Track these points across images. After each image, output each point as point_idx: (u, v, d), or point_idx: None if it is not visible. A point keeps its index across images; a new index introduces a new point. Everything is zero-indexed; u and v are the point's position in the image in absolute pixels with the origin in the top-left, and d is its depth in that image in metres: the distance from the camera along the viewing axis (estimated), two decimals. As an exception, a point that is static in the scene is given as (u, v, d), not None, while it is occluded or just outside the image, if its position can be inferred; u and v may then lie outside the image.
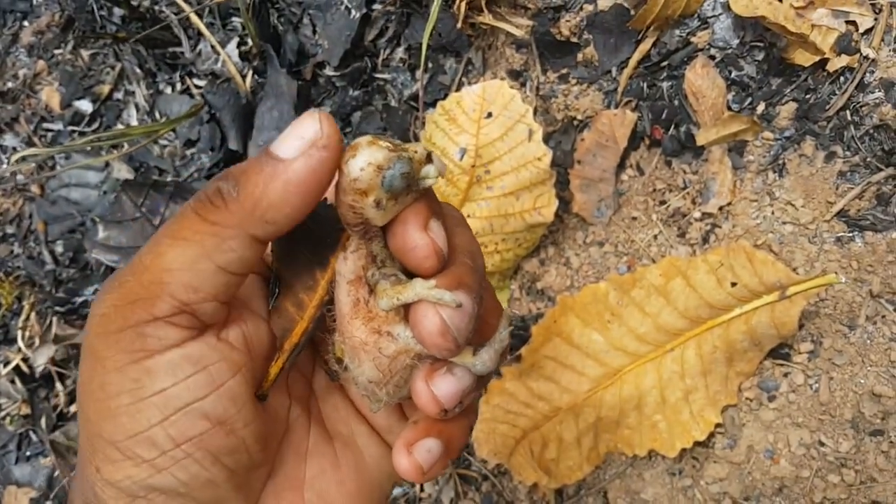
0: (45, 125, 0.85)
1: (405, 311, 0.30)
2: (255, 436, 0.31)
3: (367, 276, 0.30)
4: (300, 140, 0.27)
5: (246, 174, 0.28)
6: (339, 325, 0.31)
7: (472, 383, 0.30)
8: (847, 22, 0.68)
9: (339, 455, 0.35)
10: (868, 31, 0.68)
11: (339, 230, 0.32)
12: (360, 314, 0.30)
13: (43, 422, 0.87)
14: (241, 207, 0.28)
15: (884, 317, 0.67)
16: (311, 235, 0.32)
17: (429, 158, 0.29)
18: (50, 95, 0.84)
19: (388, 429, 0.36)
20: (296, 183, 0.27)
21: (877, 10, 0.68)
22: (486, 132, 0.70)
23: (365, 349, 0.30)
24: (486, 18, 0.72)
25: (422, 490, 0.79)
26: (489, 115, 0.70)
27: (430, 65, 0.76)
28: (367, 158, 0.27)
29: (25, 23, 0.83)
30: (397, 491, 0.80)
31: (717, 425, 0.70)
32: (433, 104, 0.77)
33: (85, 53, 0.83)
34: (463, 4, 0.70)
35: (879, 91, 0.67)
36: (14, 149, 0.86)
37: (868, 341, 0.67)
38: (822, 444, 0.68)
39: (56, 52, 0.84)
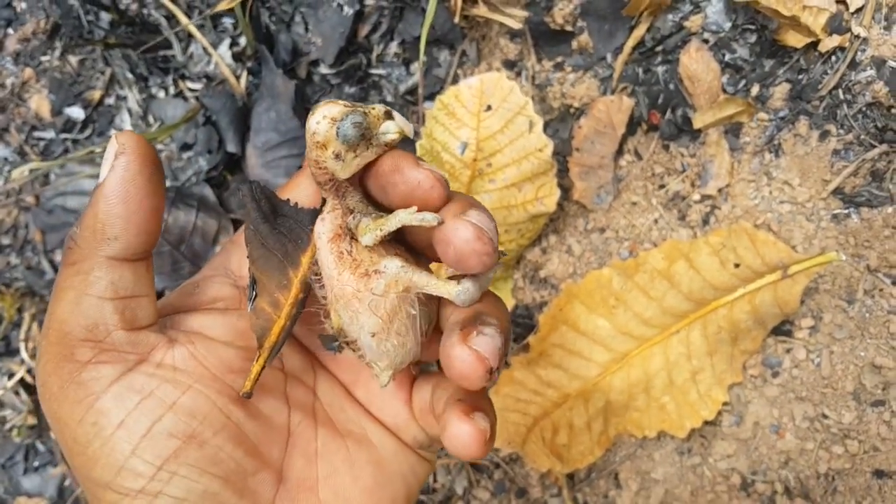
0: (37, 133, 0.84)
1: (393, 250, 0.32)
2: (232, 441, 0.32)
3: (347, 224, 0.31)
4: (106, 161, 0.31)
5: (83, 213, 0.31)
6: (329, 288, 0.32)
7: (503, 342, 0.30)
8: (837, 2, 0.69)
9: (353, 452, 0.36)
10: (858, 11, 0.69)
11: (309, 230, 0.33)
12: (346, 265, 0.31)
13: (51, 432, 0.87)
14: (85, 239, 0.31)
15: (881, 290, 0.69)
16: (281, 238, 0.34)
17: (388, 115, 0.31)
18: (39, 103, 0.83)
19: (402, 426, 0.37)
20: (111, 195, 0.30)
21: (865, -11, 0.69)
22: (486, 125, 0.70)
23: (358, 297, 0.31)
24: (481, 10, 0.72)
25: (434, 480, 0.80)
26: (488, 107, 0.70)
27: (426, 59, 0.76)
28: (323, 112, 0.30)
29: (10, 30, 0.82)
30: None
31: (724, 403, 0.71)
32: (430, 97, 0.77)
33: (73, 59, 0.82)
34: (458, -3, 0.70)
35: (871, 69, 0.68)
36: (5, 159, 0.85)
37: (867, 315, 0.69)
38: (825, 416, 0.70)
39: (43, 59, 0.82)
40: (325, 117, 0.29)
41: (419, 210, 0.30)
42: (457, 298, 0.31)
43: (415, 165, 0.30)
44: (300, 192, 0.35)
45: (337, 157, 0.30)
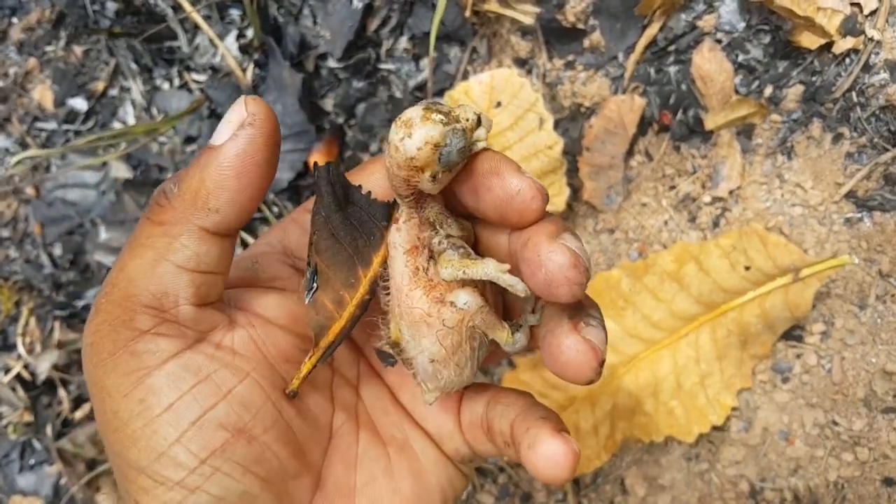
0: (39, 124, 0.83)
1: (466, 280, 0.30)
2: (280, 440, 0.30)
3: (431, 243, 0.29)
4: (228, 125, 0.28)
5: (186, 170, 0.29)
6: (395, 300, 0.30)
7: (606, 334, 0.29)
8: (852, 4, 0.69)
9: (394, 460, 0.34)
10: (873, 13, 0.68)
11: (383, 226, 0.31)
12: (421, 283, 0.29)
13: (48, 429, 0.85)
14: (182, 201, 0.28)
15: (893, 296, 0.68)
16: (353, 231, 0.31)
17: (478, 122, 0.28)
18: (42, 94, 0.82)
19: (445, 436, 0.35)
20: (228, 165, 0.28)
21: (880, -9, 0.68)
22: (496, 122, 0.69)
23: (427, 321, 0.29)
24: (492, 6, 0.71)
25: (437, 483, 0.79)
26: (498, 104, 0.69)
27: (436, 54, 0.75)
28: (424, 137, 0.26)
29: (14, 19, 0.81)
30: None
31: (733, 409, 0.70)
32: (440, 94, 0.76)
33: (78, 50, 0.81)
34: (469, -8, 0.69)
35: (885, 72, 0.68)
36: (6, 149, 0.84)
37: (879, 320, 0.68)
38: (835, 423, 0.69)
39: (47, 48, 0.81)
40: (427, 143, 0.26)
41: (517, 216, 0.28)
42: (510, 348, 0.30)
43: (516, 171, 0.28)
44: (373, 180, 0.32)
45: (434, 178, 0.27)
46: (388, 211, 0.31)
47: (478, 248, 0.32)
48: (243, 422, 0.29)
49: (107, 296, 0.29)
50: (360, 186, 0.31)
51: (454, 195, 0.30)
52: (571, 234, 0.28)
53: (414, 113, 0.27)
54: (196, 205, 0.28)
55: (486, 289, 0.30)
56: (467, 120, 0.28)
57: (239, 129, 0.28)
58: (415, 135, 0.26)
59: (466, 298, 0.29)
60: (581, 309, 0.29)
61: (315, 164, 0.31)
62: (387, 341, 0.32)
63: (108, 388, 0.28)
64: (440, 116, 0.27)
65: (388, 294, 0.31)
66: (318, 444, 0.33)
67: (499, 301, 0.30)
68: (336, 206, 0.31)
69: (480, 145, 0.28)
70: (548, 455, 0.29)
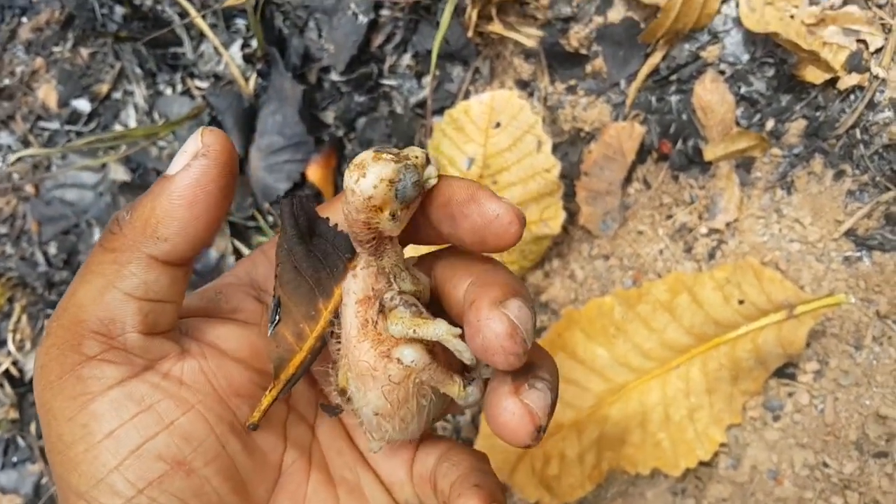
0: (42, 124, 0.83)
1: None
2: (221, 475, 0.30)
3: (383, 298, 0.29)
4: (183, 155, 0.28)
5: (140, 198, 0.29)
6: (344, 349, 0.30)
7: (554, 400, 0.28)
8: (858, 40, 0.68)
9: (343, 503, 0.34)
10: (878, 51, 0.68)
11: (346, 258, 0.31)
12: (369, 336, 0.29)
13: (32, 427, 0.85)
14: (133, 229, 0.28)
15: (890, 338, 0.67)
16: (316, 263, 0.31)
17: (427, 160, 0.29)
18: (47, 93, 0.82)
19: (396, 485, 0.35)
20: (178, 195, 0.28)
21: (886, 30, 0.67)
22: (494, 142, 0.69)
23: (373, 374, 0.29)
24: (496, 27, 0.71)
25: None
26: (497, 124, 0.69)
27: (437, 72, 0.75)
28: (379, 175, 0.27)
29: (24, 19, 0.82)
30: None
31: (721, 444, 0.69)
32: (440, 112, 0.76)
33: (84, 52, 0.81)
34: (474, 13, 0.69)
35: (889, 110, 0.67)
36: (9, 147, 0.85)
37: (874, 362, 0.67)
38: (825, 465, 0.67)
39: (55, 49, 0.82)
40: (382, 180, 0.27)
41: (495, 240, 0.28)
42: (462, 402, 0.30)
43: (493, 197, 0.28)
44: (340, 215, 0.32)
45: (393, 217, 0.28)
46: (345, 245, 0.31)
47: (434, 300, 0.32)
48: (183, 454, 0.29)
49: (57, 320, 0.29)
50: (327, 219, 0.31)
51: (430, 224, 0.30)
52: (518, 300, 0.27)
53: (364, 156, 0.27)
54: (146, 233, 0.28)
55: (437, 344, 0.30)
56: (416, 157, 0.28)
57: (193, 159, 0.28)
58: (368, 174, 0.27)
59: (413, 356, 0.29)
60: (529, 370, 0.29)
61: (278, 197, 0.31)
62: (335, 388, 0.32)
63: (54, 411, 0.28)
64: (390, 156, 0.27)
65: (339, 342, 0.31)
66: (264, 481, 0.32)
67: (451, 354, 0.29)
68: (299, 238, 0.31)
69: (432, 182, 0.29)
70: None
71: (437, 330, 0.28)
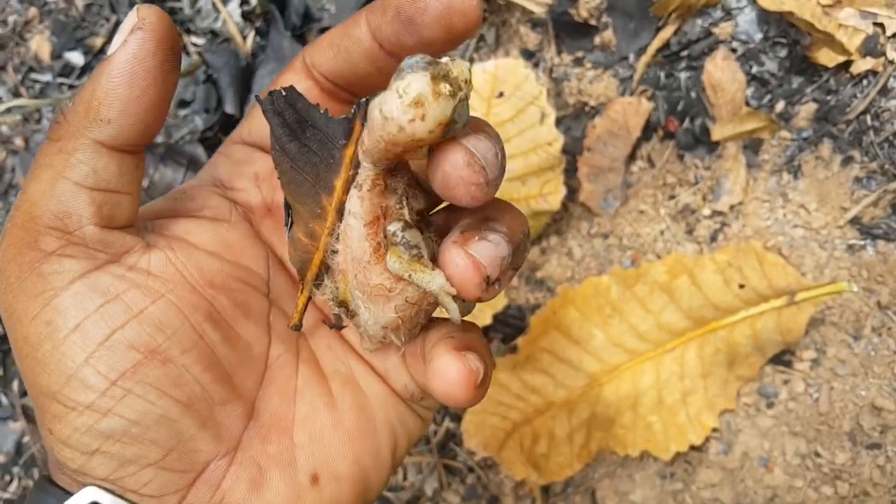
0: (34, 75, 0.81)
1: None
2: (201, 364, 0.28)
3: (387, 230, 0.27)
4: (121, 34, 0.27)
5: (83, 86, 0.27)
6: (350, 267, 0.28)
7: (509, 252, 0.27)
8: (875, 24, 0.66)
9: (337, 394, 0.32)
10: (895, 35, 0.66)
11: (342, 145, 0.29)
12: (383, 259, 0.28)
13: (15, 385, 0.84)
14: (76, 115, 0.27)
15: (890, 329, 0.66)
16: (312, 158, 0.29)
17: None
18: (40, 44, 0.80)
19: (391, 371, 0.33)
20: (117, 73, 0.26)
21: (906, 13, 0.65)
22: (496, 112, 0.67)
23: (388, 295, 0.28)
24: (504, -7, 0.69)
25: (404, 478, 0.77)
26: (500, 94, 0.67)
27: (441, 39, 0.73)
28: (438, 118, 0.23)
29: (17, -34, 0.79)
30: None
31: (713, 430, 0.68)
32: (442, 80, 0.74)
33: (80, 3, 0.79)
34: (480, -24, 0.67)
35: (903, 97, 0.65)
36: (0, 98, 0.82)
37: (872, 353, 0.66)
38: (818, 454, 0.67)
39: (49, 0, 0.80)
40: (440, 124, 0.23)
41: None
42: (428, 286, 0.28)
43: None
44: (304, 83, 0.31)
45: (430, 151, 0.25)
46: (347, 127, 0.29)
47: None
48: (156, 343, 0.27)
49: (11, 220, 0.27)
50: (317, 105, 0.29)
51: (387, 41, 0.28)
52: (479, 135, 0.25)
53: (422, 86, 0.23)
54: (88, 117, 0.26)
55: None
56: (466, 81, 0.24)
57: (129, 34, 0.26)
58: (428, 117, 0.23)
59: (434, 278, 0.27)
60: (483, 223, 0.27)
61: (257, 96, 0.29)
62: (333, 299, 0.30)
63: (18, 313, 0.27)
64: (448, 88, 0.23)
65: (336, 252, 0.29)
66: (251, 373, 0.31)
67: None
68: (289, 135, 0.29)
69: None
70: (442, 372, 0.27)
71: (433, 283, 0.26)
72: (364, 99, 0.28)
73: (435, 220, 0.31)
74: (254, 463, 0.30)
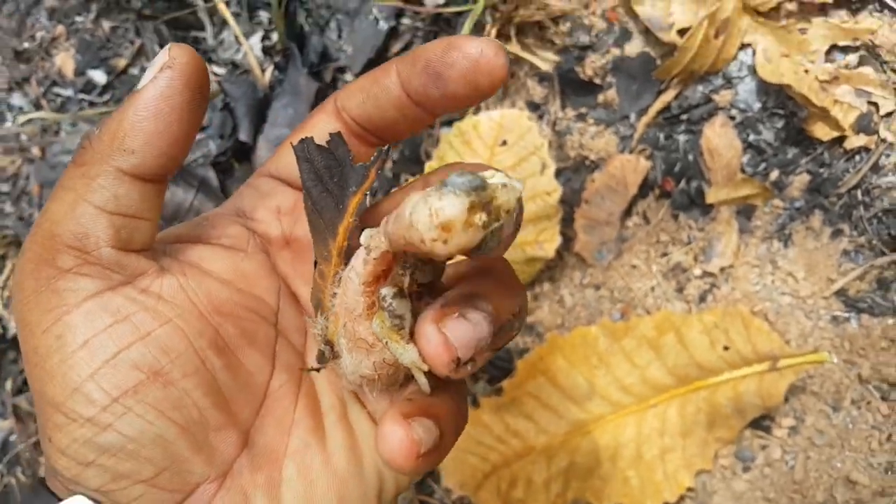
0: (56, 90, 0.84)
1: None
2: (201, 389, 0.29)
3: (381, 293, 0.28)
4: (151, 69, 0.28)
5: (110, 116, 0.29)
6: (343, 311, 0.29)
7: (489, 334, 0.26)
8: (869, 102, 0.68)
9: (329, 432, 0.33)
10: (889, 115, 0.68)
11: (349, 194, 0.30)
12: (374, 317, 0.28)
13: (8, 384, 0.85)
14: (101, 143, 0.28)
15: (869, 403, 0.66)
16: (328, 201, 0.31)
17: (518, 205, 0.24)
18: (65, 61, 0.83)
19: (379, 414, 0.33)
20: (143, 107, 0.28)
21: (901, 95, 0.68)
22: (499, 159, 0.69)
23: (370, 350, 0.29)
24: (513, 48, 0.71)
25: None
26: (504, 142, 0.69)
27: (450, 85, 0.76)
28: (460, 246, 0.22)
29: (52, -15, 0.83)
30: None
31: (688, 489, 0.68)
32: (449, 123, 0.76)
33: (106, 24, 0.82)
34: (493, 30, 0.70)
35: (893, 175, 0.67)
36: (21, 108, 0.85)
37: (850, 425, 0.67)
38: (792, 521, 0.67)
39: (77, 18, 0.83)
40: (462, 249, 0.22)
41: (487, 79, 0.27)
42: (401, 358, 0.28)
43: (469, 38, 0.27)
44: (317, 131, 0.32)
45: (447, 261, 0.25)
46: (362, 175, 0.30)
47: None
48: (159, 364, 0.28)
49: (33, 237, 0.29)
50: (349, 153, 0.30)
51: (416, 97, 0.29)
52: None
53: (455, 213, 0.22)
54: (113, 146, 0.28)
55: None
56: (507, 213, 0.23)
57: (159, 72, 0.28)
58: (451, 242, 0.22)
59: (413, 357, 0.28)
60: (469, 297, 0.27)
61: (291, 143, 0.31)
62: (321, 334, 0.31)
63: (31, 325, 0.28)
64: (484, 219, 0.22)
65: (336, 295, 0.30)
66: (249, 402, 0.32)
67: None
68: (314, 179, 0.30)
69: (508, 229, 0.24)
70: (383, 436, 0.27)
71: (405, 356, 0.27)
72: (385, 148, 0.30)
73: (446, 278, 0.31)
74: (241, 491, 0.30)
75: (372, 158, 0.30)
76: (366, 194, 0.30)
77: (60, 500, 0.28)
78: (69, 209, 0.28)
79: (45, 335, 0.28)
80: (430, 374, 0.27)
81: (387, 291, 0.28)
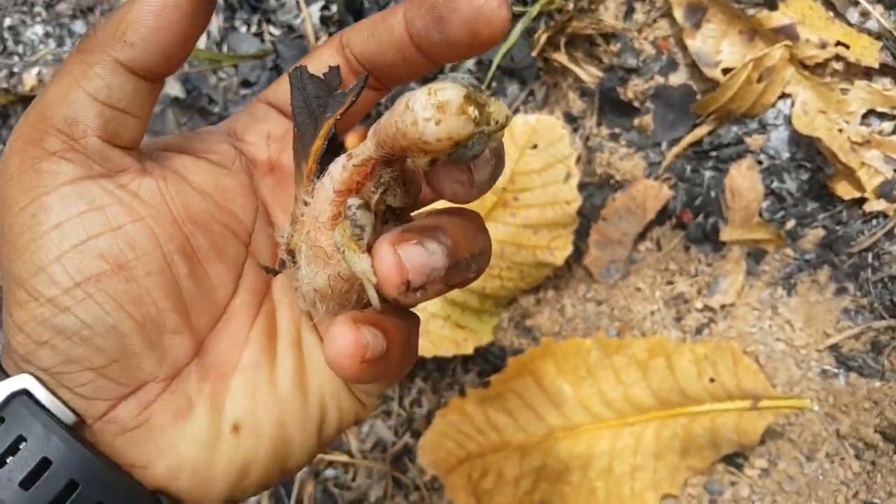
0: (119, 23, 0.87)
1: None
2: (162, 290, 0.30)
3: (348, 202, 0.28)
4: None
5: (115, 10, 0.30)
6: (308, 220, 0.30)
7: (443, 266, 0.27)
8: (895, 170, 0.70)
9: (280, 355, 0.33)
10: (913, 186, 0.69)
11: (326, 117, 0.31)
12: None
13: None
14: (104, 32, 0.29)
15: (843, 458, 0.68)
16: (311, 126, 0.32)
17: (503, 126, 0.25)
18: (133, -3, 0.86)
19: None
20: (151, 3, 0.28)
21: (927, 169, 0.69)
22: (526, 161, 0.71)
23: (327, 261, 0.29)
24: (561, 57, 0.74)
25: (353, 479, 0.80)
26: (535, 146, 0.71)
27: (494, 84, 0.78)
28: (449, 132, 0.23)
29: (133, -77, 0.86)
30: (329, 473, 0.81)
31: (653, 510, 0.70)
32: (485, 121, 0.78)
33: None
34: (544, 36, 0.72)
35: (906, 245, 0.68)
36: (80, 36, 0.89)
37: (821, 477, 0.68)
38: (747, 560, 0.69)
39: (152, -42, 0.86)
40: (451, 138, 0.23)
41: (487, 28, 0.27)
42: (354, 267, 0.28)
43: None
44: (319, 63, 0.32)
45: (431, 163, 0.25)
46: (341, 100, 0.31)
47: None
48: (125, 259, 0.29)
49: (26, 116, 0.30)
50: (340, 81, 0.31)
51: (415, 39, 0.30)
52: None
53: (454, 95, 0.23)
54: (115, 36, 0.29)
55: None
56: (496, 123, 0.24)
57: None
58: (443, 124, 0.23)
59: (365, 266, 0.28)
60: (433, 228, 0.27)
61: (287, 71, 0.32)
62: (285, 245, 0.32)
63: (9, 202, 0.29)
64: (476, 114, 0.23)
65: (307, 205, 0.30)
66: (208, 312, 0.32)
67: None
68: (302, 105, 0.31)
69: (492, 144, 0.25)
70: (330, 338, 0.27)
71: (357, 265, 0.27)
72: (365, 76, 0.31)
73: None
74: (186, 396, 0.31)
75: (351, 86, 0.31)
76: (337, 120, 0.31)
77: (9, 376, 0.29)
78: (63, 93, 0.29)
79: (21, 212, 0.28)
80: (381, 298, 0.27)
81: (353, 201, 0.28)
